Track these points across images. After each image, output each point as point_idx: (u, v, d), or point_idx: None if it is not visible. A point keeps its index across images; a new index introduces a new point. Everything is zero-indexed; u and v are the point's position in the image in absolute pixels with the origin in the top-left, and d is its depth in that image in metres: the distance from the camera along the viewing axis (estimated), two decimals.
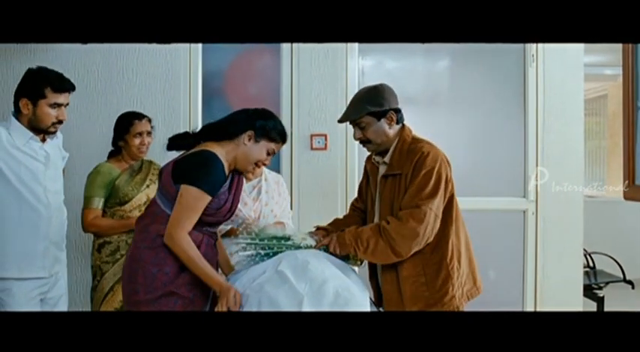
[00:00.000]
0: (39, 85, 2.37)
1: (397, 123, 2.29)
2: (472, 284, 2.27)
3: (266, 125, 2.15)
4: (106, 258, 2.75)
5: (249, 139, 2.12)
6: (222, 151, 2.09)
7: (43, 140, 2.47)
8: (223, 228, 2.54)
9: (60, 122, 2.43)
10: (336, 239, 2.20)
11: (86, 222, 2.75)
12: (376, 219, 2.32)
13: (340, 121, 2.35)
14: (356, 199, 2.57)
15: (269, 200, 2.78)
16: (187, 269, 2.02)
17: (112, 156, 2.90)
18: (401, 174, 2.22)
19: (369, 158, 2.46)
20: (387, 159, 2.30)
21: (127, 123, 2.82)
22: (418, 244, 2.15)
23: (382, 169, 2.33)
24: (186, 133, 2.21)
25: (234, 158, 2.13)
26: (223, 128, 2.13)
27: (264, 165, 2.29)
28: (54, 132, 2.46)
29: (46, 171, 2.45)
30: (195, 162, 2.03)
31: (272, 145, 2.17)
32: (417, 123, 3.77)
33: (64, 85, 2.41)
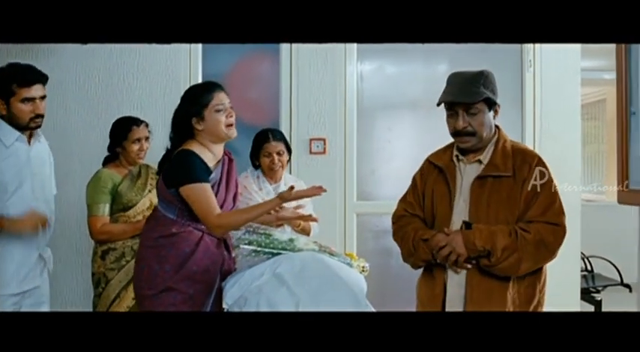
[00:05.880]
0: (6, 82, 2.31)
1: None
2: None
3: (194, 100, 2.18)
4: (111, 265, 2.67)
5: (198, 123, 2.17)
6: (194, 144, 2.19)
7: (29, 142, 2.40)
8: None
9: (38, 116, 2.35)
10: (462, 239, 1.90)
11: (95, 229, 2.69)
12: (454, 226, 1.97)
13: (451, 102, 1.96)
14: (411, 206, 2.13)
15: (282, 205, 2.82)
16: (186, 266, 2.14)
17: (108, 161, 2.84)
18: (510, 177, 1.96)
19: (433, 158, 2.12)
20: (482, 157, 2.00)
21: (124, 130, 2.77)
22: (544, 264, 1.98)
23: (473, 169, 2.01)
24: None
25: (209, 141, 2.20)
26: (178, 133, 2.21)
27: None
28: (36, 128, 2.39)
29: (34, 178, 2.40)
30: (174, 165, 2.17)
31: (216, 101, 2.17)
32: (417, 127, 3.82)
33: (28, 78, 2.32)
